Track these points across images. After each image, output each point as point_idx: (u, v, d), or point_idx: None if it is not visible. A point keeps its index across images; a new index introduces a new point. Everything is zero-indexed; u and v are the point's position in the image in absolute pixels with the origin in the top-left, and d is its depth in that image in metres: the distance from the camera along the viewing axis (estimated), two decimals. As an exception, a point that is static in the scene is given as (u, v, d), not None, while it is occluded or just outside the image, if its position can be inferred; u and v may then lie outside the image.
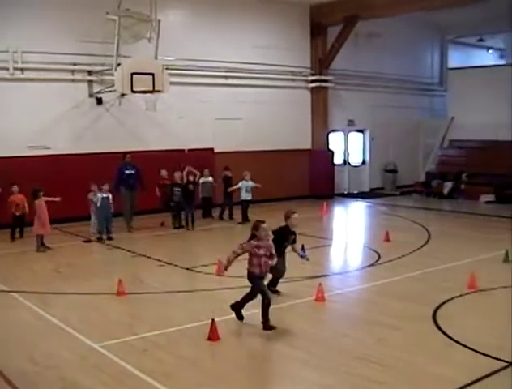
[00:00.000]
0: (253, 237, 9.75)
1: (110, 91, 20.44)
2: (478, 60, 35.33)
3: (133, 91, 19.27)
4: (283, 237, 11.33)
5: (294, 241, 11.53)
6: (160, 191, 19.79)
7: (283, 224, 11.45)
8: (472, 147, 29.37)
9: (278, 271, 11.29)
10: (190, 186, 19.32)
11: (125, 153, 19.33)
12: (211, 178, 21.22)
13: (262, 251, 9.65)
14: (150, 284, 12.81)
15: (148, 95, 19.64)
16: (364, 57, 28.83)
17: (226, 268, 9.76)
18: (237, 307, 9.95)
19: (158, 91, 19.52)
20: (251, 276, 9.76)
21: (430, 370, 8.05)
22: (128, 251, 16.06)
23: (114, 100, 21.47)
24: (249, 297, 9.86)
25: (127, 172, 18.90)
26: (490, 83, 28.41)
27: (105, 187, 17.47)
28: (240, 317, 9.96)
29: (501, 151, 27.32)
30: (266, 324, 9.52)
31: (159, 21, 19.77)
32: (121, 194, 18.68)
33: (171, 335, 9.50)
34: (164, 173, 19.98)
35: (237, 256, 9.75)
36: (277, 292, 11.40)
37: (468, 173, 27.60)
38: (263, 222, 9.74)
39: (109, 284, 12.26)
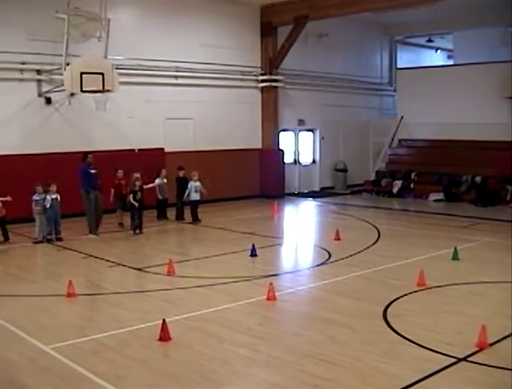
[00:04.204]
0: None
1: (59, 90, 20.18)
2: (427, 60, 35.87)
3: (82, 91, 19.07)
4: None
5: None
6: (116, 192, 19.48)
7: None
8: (421, 146, 29.73)
9: None
10: (139, 194, 18.81)
11: (86, 153, 18.60)
12: (165, 179, 20.93)
13: None
14: (100, 285, 12.74)
15: (98, 94, 19.49)
16: (314, 56, 29.00)
17: None
18: None
19: (108, 90, 19.39)
20: None
21: (380, 367, 8.14)
22: (78, 252, 15.88)
23: (64, 100, 21.19)
24: None
25: (92, 171, 18.17)
26: (438, 83, 28.80)
27: (53, 188, 17.08)
28: None
29: (450, 150, 27.69)
30: None
31: (108, 20, 19.63)
32: (89, 195, 17.94)
33: (122, 336, 9.45)
34: (120, 173, 19.61)
35: None
36: None
37: (417, 172, 27.97)
38: None
39: (59, 286, 12.15)
